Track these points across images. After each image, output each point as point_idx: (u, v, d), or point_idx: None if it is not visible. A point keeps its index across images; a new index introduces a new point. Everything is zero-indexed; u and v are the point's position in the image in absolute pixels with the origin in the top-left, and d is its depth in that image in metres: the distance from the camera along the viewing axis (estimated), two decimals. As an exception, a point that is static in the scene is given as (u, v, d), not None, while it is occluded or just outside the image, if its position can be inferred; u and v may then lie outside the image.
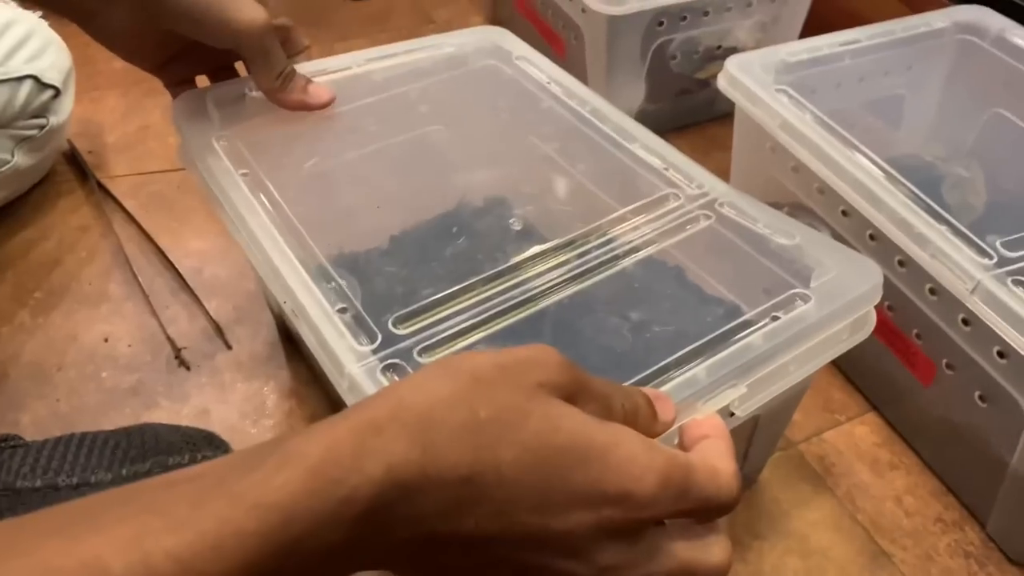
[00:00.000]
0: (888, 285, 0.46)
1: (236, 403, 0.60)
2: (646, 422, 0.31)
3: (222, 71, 0.54)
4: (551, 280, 0.44)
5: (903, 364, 0.57)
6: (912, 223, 0.50)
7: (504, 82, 0.61)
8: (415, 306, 0.42)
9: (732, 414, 0.40)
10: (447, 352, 0.40)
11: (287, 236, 0.44)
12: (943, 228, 0.50)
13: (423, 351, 0.39)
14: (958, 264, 0.48)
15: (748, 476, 0.56)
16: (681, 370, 0.38)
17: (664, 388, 0.37)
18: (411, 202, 0.59)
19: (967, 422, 0.53)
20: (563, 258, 0.45)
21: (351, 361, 0.38)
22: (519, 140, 0.60)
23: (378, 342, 0.39)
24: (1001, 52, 0.68)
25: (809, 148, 0.57)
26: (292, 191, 0.48)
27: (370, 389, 0.37)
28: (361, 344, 0.39)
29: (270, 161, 0.50)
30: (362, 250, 0.57)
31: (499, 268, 0.44)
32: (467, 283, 0.43)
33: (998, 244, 0.49)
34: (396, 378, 0.38)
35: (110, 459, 0.42)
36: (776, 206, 0.60)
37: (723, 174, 0.52)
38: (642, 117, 0.54)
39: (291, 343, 0.64)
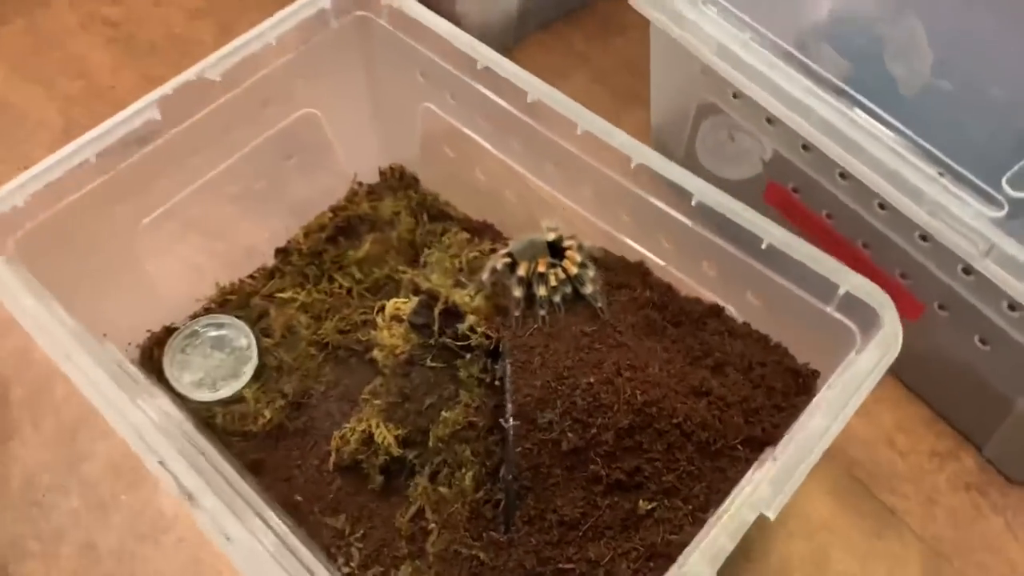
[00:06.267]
0: (865, 224, 0.44)
1: None
2: None
3: None
4: None
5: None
6: (906, 177, 0.41)
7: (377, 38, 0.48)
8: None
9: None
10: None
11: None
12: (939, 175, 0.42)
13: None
14: (963, 221, 0.40)
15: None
16: None
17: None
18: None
19: (964, 360, 0.48)
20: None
21: None
22: (408, 107, 0.51)
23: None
24: None
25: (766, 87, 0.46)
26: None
27: None
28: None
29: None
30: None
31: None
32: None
33: (1005, 184, 0.41)
34: None
35: None
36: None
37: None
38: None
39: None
